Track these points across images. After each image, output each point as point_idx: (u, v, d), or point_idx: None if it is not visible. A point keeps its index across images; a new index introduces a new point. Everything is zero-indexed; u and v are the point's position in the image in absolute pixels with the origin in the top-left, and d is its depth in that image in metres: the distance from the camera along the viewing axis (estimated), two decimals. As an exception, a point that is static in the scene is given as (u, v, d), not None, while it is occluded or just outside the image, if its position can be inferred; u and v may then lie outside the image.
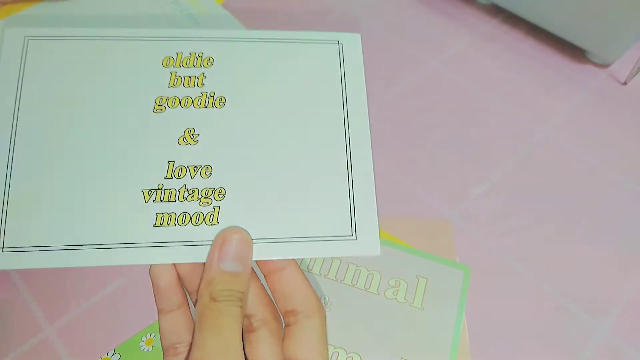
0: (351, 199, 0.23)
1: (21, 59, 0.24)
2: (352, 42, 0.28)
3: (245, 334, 0.22)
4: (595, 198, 0.43)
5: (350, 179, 0.24)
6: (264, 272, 0.23)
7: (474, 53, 0.53)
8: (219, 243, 0.21)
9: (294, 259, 0.23)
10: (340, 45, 0.27)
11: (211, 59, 0.25)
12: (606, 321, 0.36)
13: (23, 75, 0.23)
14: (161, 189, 0.22)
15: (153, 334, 0.35)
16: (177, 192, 0.22)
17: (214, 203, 0.22)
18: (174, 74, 0.24)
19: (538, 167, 0.44)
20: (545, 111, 0.48)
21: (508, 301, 0.37)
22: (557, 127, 0.47)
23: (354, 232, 0.23)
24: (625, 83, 0.51)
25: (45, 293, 0.37)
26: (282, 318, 0.22)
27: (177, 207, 0.22)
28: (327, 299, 0.36)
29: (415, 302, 0.36)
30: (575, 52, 0.53)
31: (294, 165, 0.23)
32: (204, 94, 0.24)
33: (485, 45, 0.54)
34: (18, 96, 0.23)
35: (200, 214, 0.22)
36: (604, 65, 0.52)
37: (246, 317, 0.22)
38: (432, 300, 0.36)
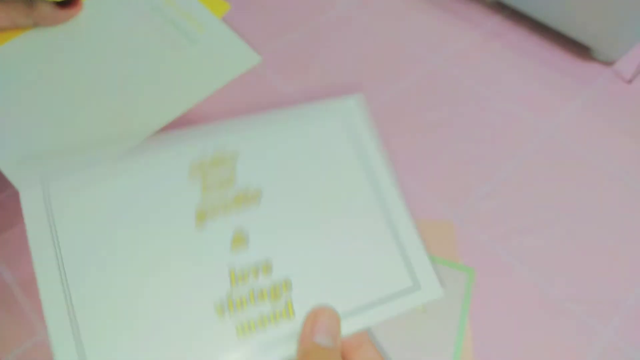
0: (400, 249, 0.24)
1: (46, 207, 0.23)
2: (355, 104, 0.28)
3: None
4: (600, 198, 0.42)
5: (392, 232, 0.25)
6: (344, 354, 0.23)
7: (477, 51, 0.53)
8: (311, 318, 0.22)
9: (368, 338, 0.23)
10: (345, 112, 0.28)
11: (235, 153, 0.25)
12: (611, 323, 0.36)
13: (54, 222, 0.23)
14: (231, 298, 0.22)
15: None
16: (248, 298, 0.23)
17: (284, 296, 0.23)
18: (204, 181, 0.24)
19: (542, 166, 0.44)
20: (549, 109, 0.48)
21: (511, 303, 0.36)
22: (562, 125, 0.47)
23: (414, 281, 0.24)
24: (630, 81, 0.50)
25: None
26: None
27: (252, 312, 0.22)
28: None
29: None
30: (579, 49, 0.52)
31: (340, 238, 0.24)
32: (240, 194, 0.24)
33: (489, 43, 0.53)
34: (57, 244, 0.22)
35: (277, 312, 0.23)
36: (609, 63, 0.52)
37: None
38: (434, 303, 0.35)
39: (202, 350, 0.22)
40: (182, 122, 0.29)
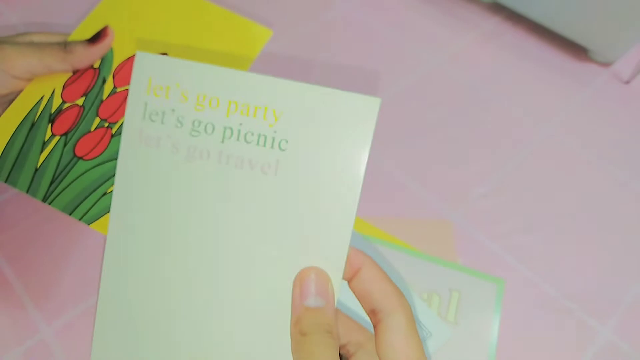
0: None
1: None
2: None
3: None
4: (598, 198, 0.42)
5: None
6: (346, 279, 0.23)
7: (475, 51, 0.53)
8: (298, 283, 0.22)
9: (369, 259, 0.23)
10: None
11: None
12: (608, 322, 0.36)
13: None
14: None
15: None
16: None
17: None
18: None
19: (540, 166, 0.44)
20: (547, 110, 0.48)
21: (509, 302, 0.36)
22: (559, 126, 0.47)
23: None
24: (627, 82, 0.51)
25: (43, 294, 0.36)
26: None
27: None
28: None
29: (449, 317, 0.35)
30: (577, 50, 0.53)
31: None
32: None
33: (487, 44, 0.54)
34: None
35: None
36: (607, 64, 0.52)
37: (342, 347, 0.22)
38: (466, 315, 0.35)
39: None
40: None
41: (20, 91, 0.33)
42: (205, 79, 0.25)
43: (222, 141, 0.25)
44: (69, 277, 0.37)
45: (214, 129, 0.25)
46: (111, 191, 0.30)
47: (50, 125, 0.32)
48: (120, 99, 0.33)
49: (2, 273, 0.37)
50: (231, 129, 0.25)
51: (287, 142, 0.24)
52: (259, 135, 0.25)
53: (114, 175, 0.30)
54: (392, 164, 0.44)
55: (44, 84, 0.33)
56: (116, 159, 0.27)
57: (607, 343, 0.35)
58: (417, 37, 0.54)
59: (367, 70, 0.51)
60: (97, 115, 0.32)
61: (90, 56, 0.32)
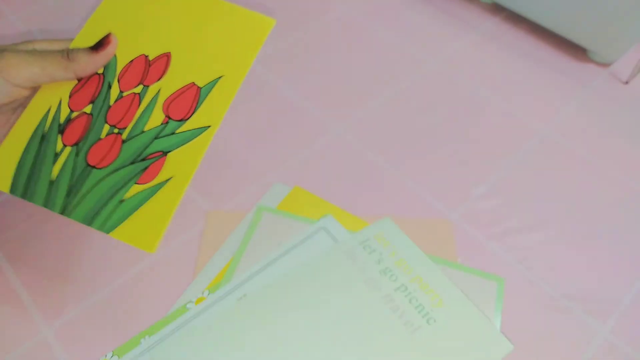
0: None
1: None
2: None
3: None
4: (596, 197, 0.42)
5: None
6: None
7: (474, 52, 0.53)
8: None
9: None
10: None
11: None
12: (607, 322, 0.36)
13: None
14: None
15: (152, 337, 0.34)
16: None
17: None
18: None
19: (539, 166, 0.44)
20: (546, 110, 0.48)
21: (508, 302, 0.36)
22: (559, 126, 0.47)
23: None
24: (626, 82, 0.51)
25: (44, 293, 0.36)
26: None
27: None
28: None
29: None
30: (576, 51, 0.53)
31: None
32: None
33: (486, 45, 0.54)
34: None
35: None
36: (605, 65, 0.52)
37: None
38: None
39: None
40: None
41: (24, 99, 0.32)
42: (413, 254, 0.37)
43: (395, 290, 0.35)
44: (70, 276, 0.37)
45: (396, 279, 0.36)
46: (127, 198, 0.30)
47: (60, 135, 0.32)
48: (127, 103, 0.32)
49: (3, 273, 0.37)
50: (407, 287, 0.35)
51: (435, 321, 0.34)
52: (421, 304, 0.35)
53: (129, 181, 0.31)
54: (391, 164, 0.44)
55: (50, 94, 0.32)
56: (129, 164, 0.31)
57: (606, 342, 0.35)
58: (416, 38, 0.54)
59: (367, 72, 0.51)
60: (106, 121, 0.32)
61: (94, 64, 0.32)
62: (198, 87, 0.32)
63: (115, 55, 0.33)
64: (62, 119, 0.32)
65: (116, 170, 0.31)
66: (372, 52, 0.53)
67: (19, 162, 0.31)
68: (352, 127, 0.46)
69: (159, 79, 0.33)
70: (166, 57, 0.33)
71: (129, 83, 0.33)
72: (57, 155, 0.31)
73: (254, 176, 0.43)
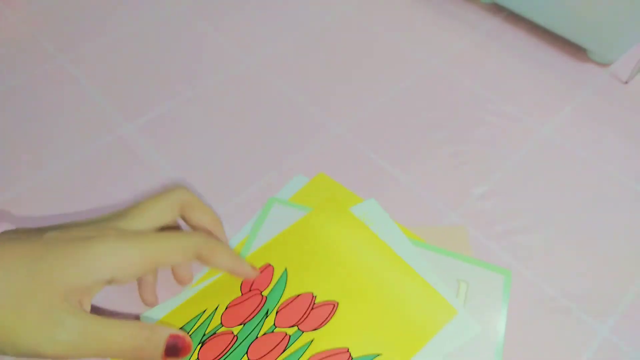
0: None
1: None
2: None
3: None
4: (597, 197, 0.42)
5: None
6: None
7: (474, 52, 0.53)
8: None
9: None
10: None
11: None
12: (607, 322, 0.36)
13: None
14: None
15: None
16: None
17: None
18: None
19: (539, 167, 0.44)
20: (546, 110, 0.48)
21: (508, 302, 0.36)
22: (558, 125, 0.47)
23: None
24: (626, 82, 0.51)
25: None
26: None
27: None
28: None
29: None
30: (576, 51, 0.53)
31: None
32: None
33: (486, 44, 0.54)
34: None
35: None
36: (605, 65, 0.52)
37: None
38: (474, 305, 0.35)
39: None
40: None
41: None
42: (395, 235, 0.37)
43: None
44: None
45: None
46: None
47: (199, 347, 0.29)
48: (274, 342, 0.29)
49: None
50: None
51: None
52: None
53: None
54: (391, 164, 0.44)
55: (212, 294, 0.30)
56: None
57: (605, 342, 0.35)
58: (416, 38, 0.54)
59: (366, 72, 0.51)
60: (247, 353, 0.29)
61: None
62: (350, 356, 0.29)
63: (286, 279, 0.30)
64: (209, 329, 0.29)
65: None
66: (371, 52, 0.53)
67: None
68: (352, 127, 0.46)
69: (315, 329, 0.29)
70: (332, 305, 0.30)
71: (286, 320, 0.30)
72: None
73: (261, 171, 0.43)
